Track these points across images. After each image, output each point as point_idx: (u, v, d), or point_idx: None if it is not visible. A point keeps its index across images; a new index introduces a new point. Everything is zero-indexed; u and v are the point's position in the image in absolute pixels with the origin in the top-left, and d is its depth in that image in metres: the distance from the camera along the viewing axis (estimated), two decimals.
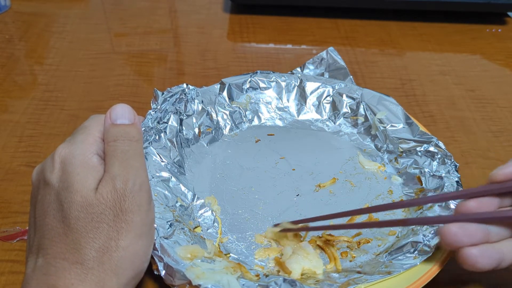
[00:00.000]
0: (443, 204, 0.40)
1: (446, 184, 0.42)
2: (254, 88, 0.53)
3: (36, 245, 0.31)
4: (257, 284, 0.34)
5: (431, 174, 0.44)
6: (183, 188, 0.42)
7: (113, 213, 0.31)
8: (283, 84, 0.53)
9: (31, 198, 0.34)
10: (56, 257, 0.30)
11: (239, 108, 0.52)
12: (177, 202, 0.40)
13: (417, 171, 0.45)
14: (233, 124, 0.51)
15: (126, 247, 0.31)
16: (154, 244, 0.35)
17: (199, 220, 0.41)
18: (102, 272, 0.30)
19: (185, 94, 0.48)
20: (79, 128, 0.35)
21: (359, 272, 0.36)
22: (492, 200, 0.34)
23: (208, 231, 0.40)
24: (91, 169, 0.32)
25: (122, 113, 0.35)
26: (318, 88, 0.53)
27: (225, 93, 0.51)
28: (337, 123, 0.52)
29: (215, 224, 0.41)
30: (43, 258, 0.30)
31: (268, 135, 0.51)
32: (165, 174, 0.41)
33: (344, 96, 0.52)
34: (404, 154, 0.47)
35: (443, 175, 0.43)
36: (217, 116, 0.50)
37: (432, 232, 0.37)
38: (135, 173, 0.32)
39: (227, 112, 0.51)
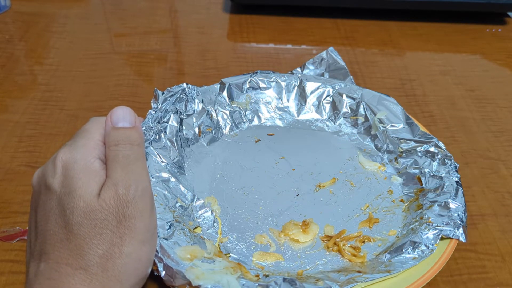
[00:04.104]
0: (443, 203, 0.40)
1: (446, 184, 0.42)
2: (254, 88, 0.53)
3: (38, 250, 0.31)
4: (257, 284, 0.34)
5: (431, 174, 0.44)
6: (182, 188, 0.41)
7: (116, 220, 0.31)
8: (283, 84, 0.53)
9: (31, 203, 0.34)
10: (59, 262, 0.30)
11: (239, 108, 0.52)
12: (177, 202, 0.40)
13: (417, 171, 0.45)
14: (233, 124, 0.51)
15: (129, 253, 0.31)
16: None
17: (199, 220, 0.41)
18: (105, 278, 0.30)
19: (185, 93, 0.48)
20: (80, 131, 0.35)
21: (359, 272, 0.37)
22: None
23: (208, 231, 0.40)
24: (93, 174, 0.32)
25: (123, 116, 0.34)
26: (318, 88, 0.53)
27: (225, 93, 0.51)
28: (337, 123, 0.52)
29: (215, 224, 0.41)
30: (46, 263, 0.30)
31: (268, 135, 0.51)
32: (164, 175, 0.41)
33: (344, 96, 0.52)
34: (404, 154, 0.47)
35: (443, 175, 0.43)
36: (217, 116, 0.50)
37: (432, 232, 0.38)
38: (137, 179, 0.32)
39: (227, 112, 0.51)
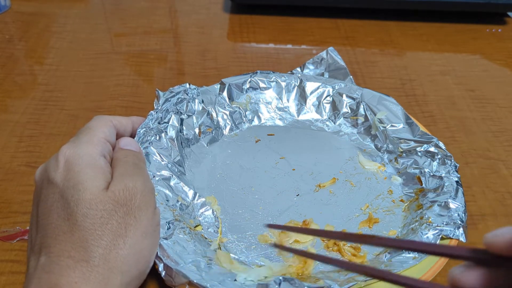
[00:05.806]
0: (443, 203, 0.40)
1: (446, 184, 0.42)
2: (254, 88, 0.53)
3: (39, 244, 0.31)
4: (256, 283, 0.34)
5: (431, 174, 0.44)
6: (184, 186, 0.42)
7: (123, 211, 0.32)
8: (283, 84, 0.53)
9: (33, 198, 0.34)
10: (61, 255, 0.30)
11: (239, 108, 0.52)
12: (177, 201, 0.40)
13: (417, 171, 0.45)
14: (233, 124, 0.51)
15: (132, 245, 0.31)
16: None
17: (200, 219, 0.41)
18: (107, 270, 0.30)
19: (186, 94, 0.48)
20: (83, 128, 0.36)
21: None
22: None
23: (209, 229, 0.40)
24: (100, 170, 0.33)
25: (130, 142, 0.38)
26: (318, 88, 0.53)
27: (225, 93, 0.51)
28: (337, 123, 0.52)
29: (216, 222, 0.41)
30: (46, 256, 0.30)
31: (268, 135, 0.51)
32: (165, 173, 0.41)
33: (344, 96, 0.52)
34: (404, 154, 0.47)
35: (443, 175, 0.43)
36: (217, 116, 0.50)
37: (432, 232, 0.38)
38: (144, 180, 0.34)
39: (227, 112, 0.51)
